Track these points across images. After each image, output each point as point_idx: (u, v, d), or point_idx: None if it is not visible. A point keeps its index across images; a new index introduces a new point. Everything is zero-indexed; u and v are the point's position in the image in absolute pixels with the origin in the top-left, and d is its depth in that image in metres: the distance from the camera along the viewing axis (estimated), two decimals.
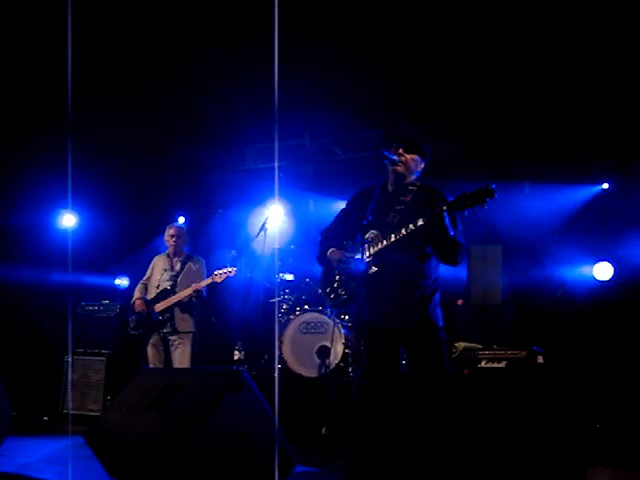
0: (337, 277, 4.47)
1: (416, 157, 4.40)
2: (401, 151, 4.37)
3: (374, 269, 4.24)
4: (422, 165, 4.47)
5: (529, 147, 7.50)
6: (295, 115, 7.43)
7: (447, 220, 4.07)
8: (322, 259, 4.62)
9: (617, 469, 5.27)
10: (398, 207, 4.31)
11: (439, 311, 4.35)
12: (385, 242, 4.21)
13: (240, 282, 7.59)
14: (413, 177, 4.45)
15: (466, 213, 4.04)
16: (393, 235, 4.17)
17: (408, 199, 4.33)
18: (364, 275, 4.22)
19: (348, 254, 4.40)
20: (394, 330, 4.26)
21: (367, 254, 4.27)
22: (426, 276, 4.29)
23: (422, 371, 4.18)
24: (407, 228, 4.11)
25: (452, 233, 4.11)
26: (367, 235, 4.33)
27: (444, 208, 3.99)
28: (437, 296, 4.36)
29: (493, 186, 3.84)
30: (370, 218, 4.35)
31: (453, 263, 4.25)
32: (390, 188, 4.46)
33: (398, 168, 4.37)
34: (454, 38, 6.51)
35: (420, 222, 4.05)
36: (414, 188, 4.37)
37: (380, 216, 4.33)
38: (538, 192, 7.65)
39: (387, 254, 4.23)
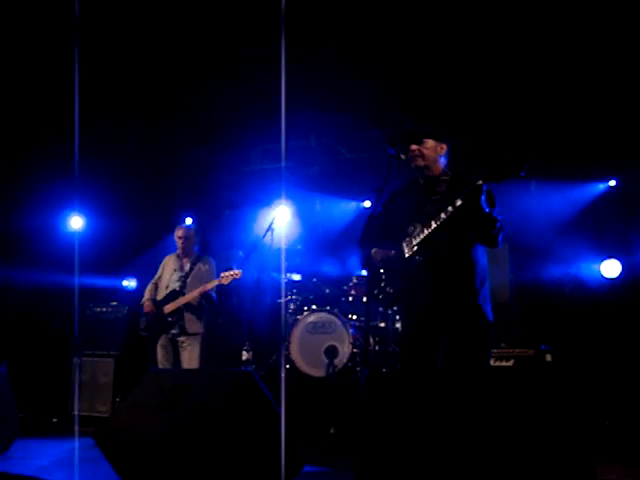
0: (383, 277, 4.35)
1: (430, 143, 4.29)
2: (413, 147, 4.28)
3: (419, 259, 4.15)
4: (444, 147, 4.34)
5: (535, 144, 7.48)
6: (301, 115, 7.43)
7: (483, 197, 3.95)
8: (366, 263, 4.46)
9: (627, 467, 5.26)
10: (434, 197, 4.17)
11: (489, 306, 4.20)
12: (426, 230, 4.09)
13: (248, 283, 7.60)
14: (441, 164, 4.33)
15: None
16: (433, 222, 4.05)
17: (443, 188, 4.19)
18: (410, 268, 4.19)
19: (392, 251, 4.30)
20: (440, 323, 4.15)
21: (410, 246, 4.19)
22: (472, 264, 4.17)
23: (461, 368, 4.02)
24: (446, 211, 3.99)
25: (487, 210, 3.99)
26: (407, 229, 4.23)
27: (480, 182, 3.88)
28: (486, 287, 4.21)
29: (525, 152, 3.73)
30: (407, 213, 4.29)
31: (493, 243, 4.12)
32: (422, 182, 4.36)
33: (417, 162, 4.28)
34: (458, 37, 6.50)
35: (458, 202, 3.93)
36: (447, 178, 4.22)
37: (417, 209, 4.23)
38: (545, 190, 7.64)
39: (431, 243, 4.12)
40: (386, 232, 4.40)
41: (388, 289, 4.32)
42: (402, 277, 4.23)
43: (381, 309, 6.98)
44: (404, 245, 4.23)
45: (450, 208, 3.97)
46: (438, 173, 4.30)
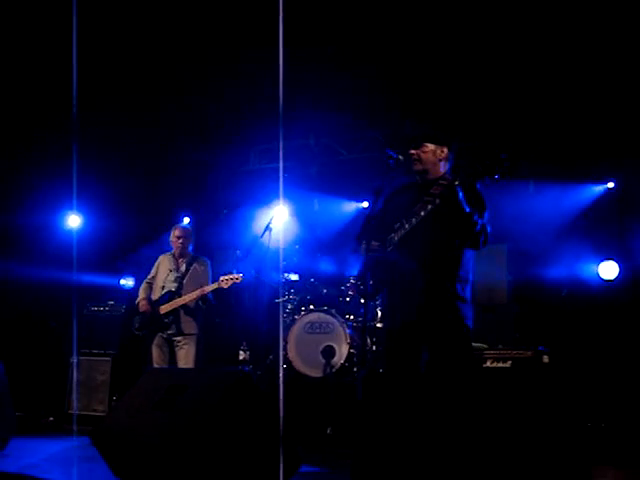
0: (366, 268, 4.40)
1: (430, 147, 4.31)
2: (412, 151, 4.30)
3: (397, 254, 4.19)
4: (445, 151, 4.34)
5: (534, 146, 7.48)
6: (300, 115, 7.43)
7: (461, 195, 3.97)
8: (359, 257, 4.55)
9: (622, 469, 5.26)
10: (427, 198, 4.15)
11: (469, 311, 4.22)
12: (407, 226, 4.14)
13: (246, 283, 7.60)
14: (441, 168, 4.34)
15: (478, 186, 4.01)
16: (414, 219, 4.11)
17: (438, 191, 4.16)
18: (389, 263, 4.20)
19: (376, 243, 4.30)
20: (417, 324, 4.16)
21: (393, 242, 4.23)
22: (455, 267, 4.20)
23: (441, 372, 4.06)
24: (425, 209, 4.04)
25: (468, 210, 4.00)
26: (395, 225, 4.27)
27: (456, 183, 3.92)
28: (467, 292, 4.24)
29: (503, 155, 3.80)
30: (399, 211, 4.31)
31: (475, 245, 4.14)
32: (420, 182, 4.39)
33: (416, 166, 4.31)
34: (458, 38, 6.51)
35: (437, 201, 3.98)
36: (446, 182, 4.17)
37: (408, 207, 4.25)
38: (543, 191, 7.63)
39: (411, 241, 4.16)
40: (381, 228, 4.41)
41: (369, 281, 4.33)
42: (383, 270, 4.25)
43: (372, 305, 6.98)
44: (388, 240, 4.28)
45: (429, 206, 4.03)
46: (437, 176, 4.30)
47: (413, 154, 4.30)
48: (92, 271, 8.71)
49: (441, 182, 4.20)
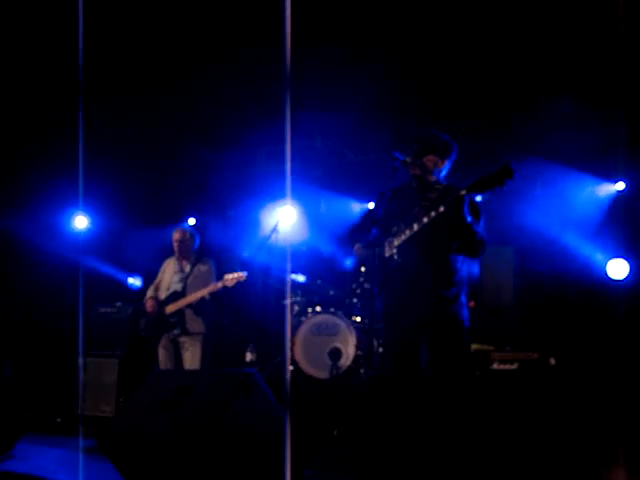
0: (362, 271, 4.49)
1: (431, 157, 4.39)
2: (411, 159, 4.37)
3: (397, 259, 4.23)
4: (445, 162, 4.45)
5: (541, 146, 7.46)
6: (306, 117, 7.43)
7: (466, 207, 4.08)
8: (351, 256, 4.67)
9: (631, 472, 5.23)
10: (424, 203, 4.26)
11: (466, 311, 4.31)
12: (408, 232, 4.19)
13: (253, 284, 7.61)
14: (435, 175, 4.45)
15: (487, 197, 4.07)
16: (416, 225, 4.16)
17: (434, 196, 4.30)
18: (389, 267, 4.22)
19: (376, 247, 4.37)
20: (417, 326, 4.23)
21: (391, 246, 4.28)
22: (451, 271, 4.27)
23: (443, 372, 4.13)
24: (429, 216, 4.10)
25: (469, 220, 4.10)
26: (392, 228, 4.33)
27: (464, 192, 3.99)
28: (463, 295, 4.32)
29: (513, 166, 3.84)
30: (395, 214, 4.38)
31: (473, 254, 4.28)
32: (414, 186, 4.47)
33: (414, 171, 4.39)
34: (465, 38, 6.50)
35: (441, 209, 4.04)
36: (440, 187, 4.36)
37: (405, 211, 4.33)
38: (550, 192, 7.60)
39: (411, 246, 4.21)
40: (375, 228, 4.45)
41: (366, 285, 4.41)
42: (381, 275, 4.28)
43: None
44: (386, 244, 4.33)
45: (433, 213, 4.10)
46: (432, 182, 4.43)
47: (414, 160, 4.38)
48: (99, 272, 8.73)
49: (436, 186, 4.38)
